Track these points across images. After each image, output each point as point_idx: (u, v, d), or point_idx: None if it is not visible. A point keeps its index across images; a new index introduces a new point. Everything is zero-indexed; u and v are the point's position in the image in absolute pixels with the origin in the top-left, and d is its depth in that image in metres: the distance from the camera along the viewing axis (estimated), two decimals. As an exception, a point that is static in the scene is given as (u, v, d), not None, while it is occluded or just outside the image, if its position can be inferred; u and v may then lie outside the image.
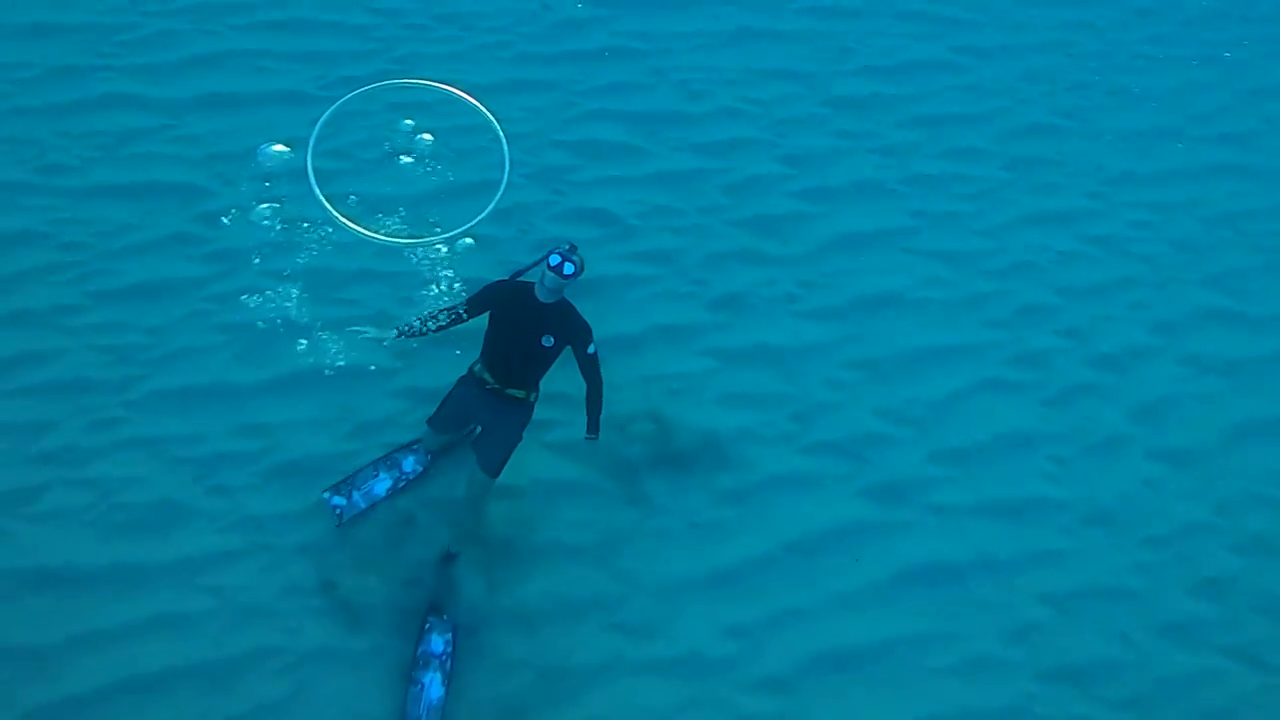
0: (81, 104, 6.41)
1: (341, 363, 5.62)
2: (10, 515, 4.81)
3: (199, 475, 5.09)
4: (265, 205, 6.19)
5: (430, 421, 5.12)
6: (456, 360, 5.72)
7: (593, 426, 4.93)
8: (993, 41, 8.39)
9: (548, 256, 4.81)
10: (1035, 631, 5.40)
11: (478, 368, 4.99)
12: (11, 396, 5.15)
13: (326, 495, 5.23)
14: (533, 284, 4.93)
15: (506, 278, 5.26)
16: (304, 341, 5.66)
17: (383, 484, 5.34)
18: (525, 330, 4.85)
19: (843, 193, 7.12)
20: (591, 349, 4.91)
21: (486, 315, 5.00)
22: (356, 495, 5.28)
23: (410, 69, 7.08)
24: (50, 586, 4.63)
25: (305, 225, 6.14)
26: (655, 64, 7.65)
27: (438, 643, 4.88)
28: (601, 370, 4.97)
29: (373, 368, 5.65)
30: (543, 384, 5.05)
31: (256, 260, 5.95)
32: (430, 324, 5.04)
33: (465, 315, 5.03)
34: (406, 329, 5.04)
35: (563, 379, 5.20)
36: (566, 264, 4.78)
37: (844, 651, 5.21)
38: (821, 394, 6.10)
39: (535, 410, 5.05)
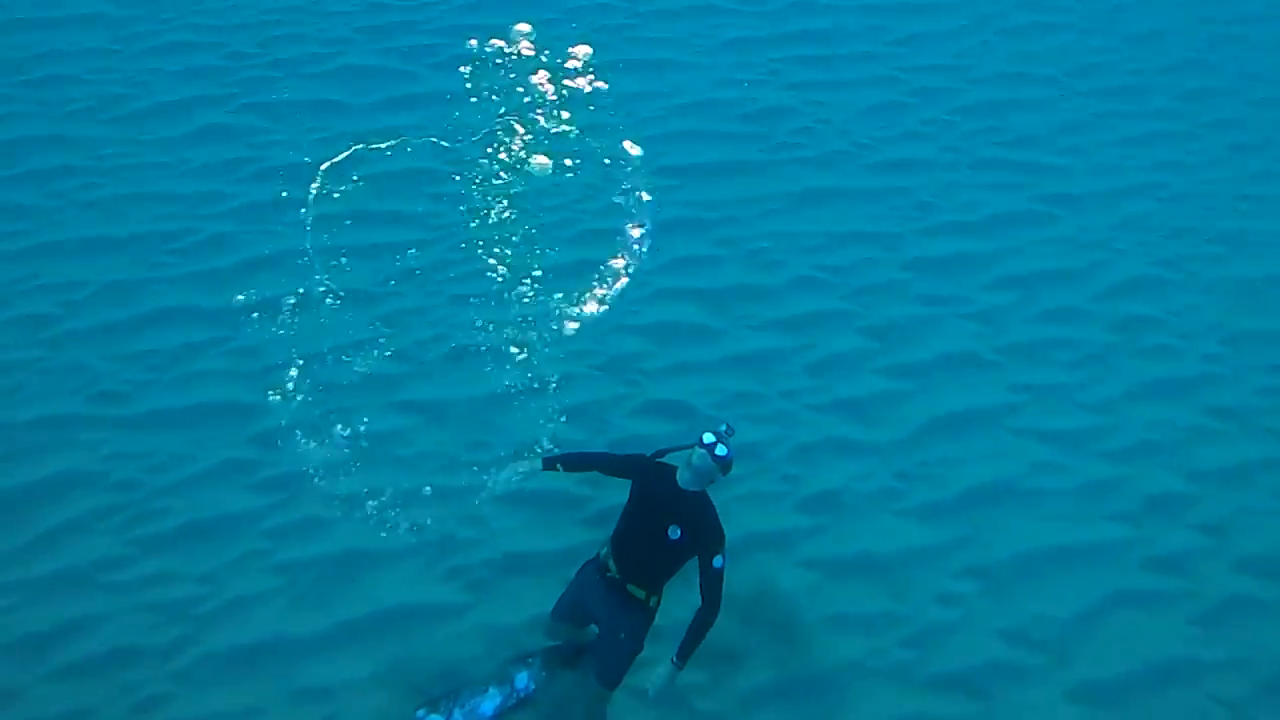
0: (133, 322, 6.20)
1: (401, 601, 5.15)
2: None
3: (252, 764, 4.58)
4: (321, 419, 5.87)
5: (554, 610, 4.72)
6: (529, 592, 5.22)
7: (684, 654, 4.30)
8: (1081, 188, 7.92)
9: (700, 437, 4.37)
10: None
11: (604, 552, 4.57)
12: (47, 682, 4.68)
13: (421, 713, 4.69)
14: (674, 468, 4.47)
15: (649, 454, 4.78)
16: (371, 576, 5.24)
17: (491, 702, 4.79)
18: (656, 514, 4.39)
19: (935, 367, 6.58)
20: (719, 562, 4.31)
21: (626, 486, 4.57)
22: (458, 713, 4.73)
23: (469, 255, 6.83)
24: None
25: (364, 442, 5.79)
26: (723, 234, 7.30)
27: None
28: (721, 594, 4.34)
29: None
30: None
31: (311, 485, 5.58)
32: (580, 463, 4.73)
33: (608, 467, 4.68)
34: (552, 459, 4.66)
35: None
36: (720, 445, 4.32)
37: None
38: (936, 612, 5.42)
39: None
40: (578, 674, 4.86)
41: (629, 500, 4.55)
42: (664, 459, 4.74)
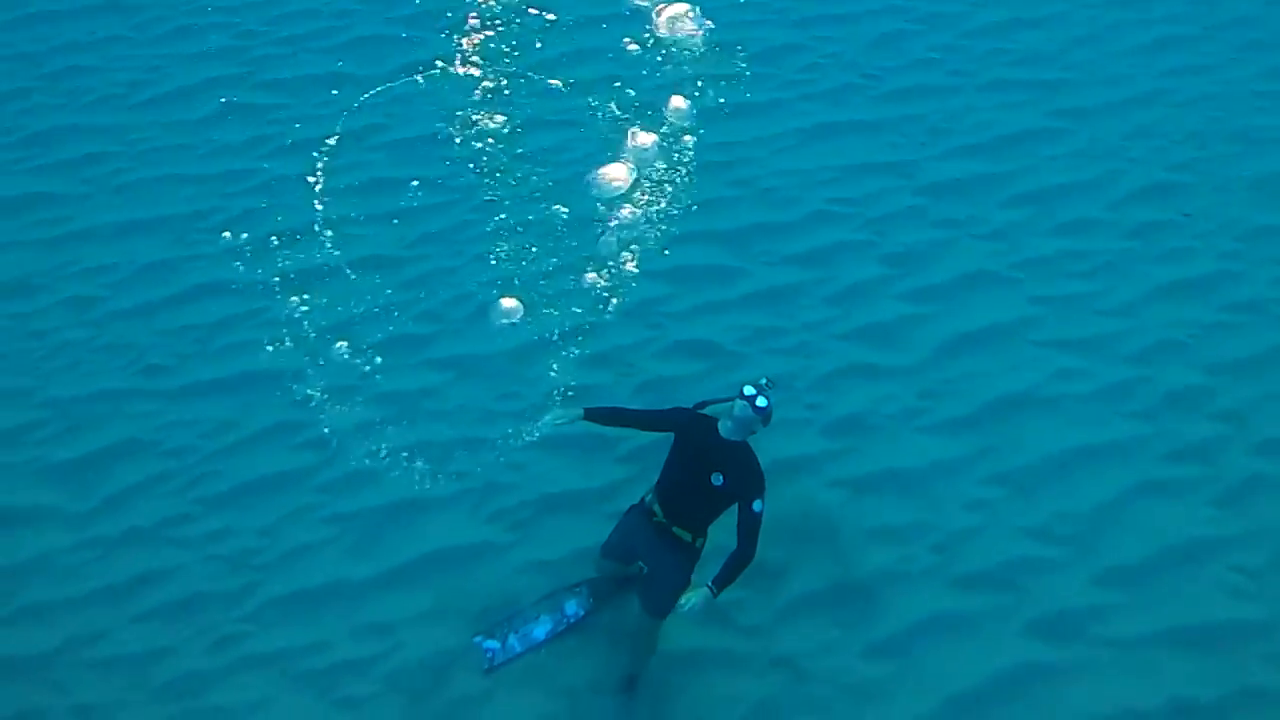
0: (173, 299, 6.45)
1: (449, 543, 5.41)
2: (140, 760, 4.66)
3: (323, 690, 4.86)
4: (359, 380, 6.12)
5: (602, 549, 4.94)
6: (570, 529, 5.46)
7: (720, 584, 4.45)
8: (1092, 100, 7.90)
9: (741, 389, 4.53)
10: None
11: (649, 498, 4.77)
12: (132, 624, 5.04)
13: (479, 639, 5.01)
14: (716, 419, 4.64)
15: (689, 406, 4.98)
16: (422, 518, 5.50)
17: (542, 627, 5.09)
18: (699, 463, 4.56)
19: (953, 288, 6.68)
20: (758, 506, 4.47)
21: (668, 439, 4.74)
22: (513, 639, 5.04)
23: (487, 214, 6.99)
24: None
25: (403, 396, 6.02)
26: (738, 175, 7.40)
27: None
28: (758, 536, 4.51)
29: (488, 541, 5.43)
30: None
31: (356, 442, 5.83)
32: (620, 419, 4.85)
33: (649, 425, 4.83)
34: (594, 412, 4.81)
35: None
36: (761, 397, 4.49)
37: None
38: (962, 518, 5.59)
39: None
40: (625, 603, 5.10)
41: (673, 450, 4.71)
42: (705, 410, 4.92)
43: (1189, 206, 7.13)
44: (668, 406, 5.00)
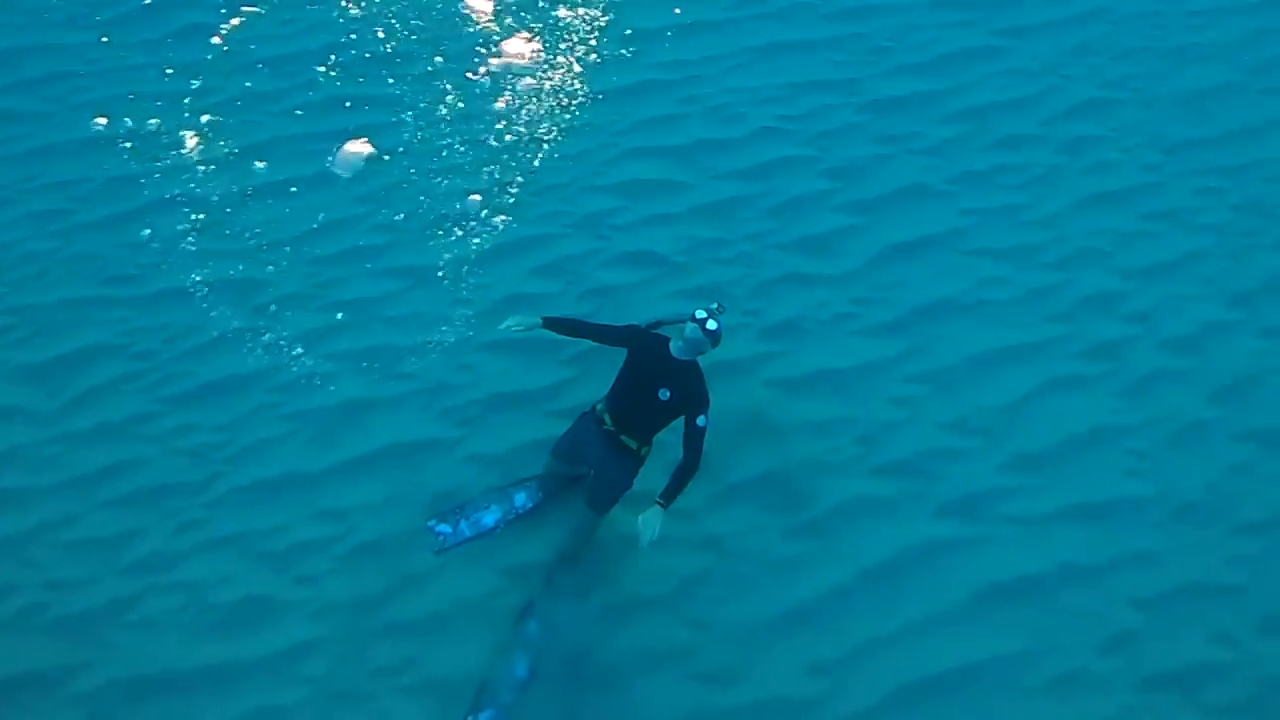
0: (135, 212, 6.66)
1: (402, 438, 5.76)
2: (109, 625, 5.04)
3: (282, 567, 5.25)
4: (317, 288, 6.40)
5: (552, 449, 5.28)
6: (515, 425, 5.81)
7: (668, 496, 4.77)
8: (1034, 18, 8.08)
9: (694, 312, 4.86)
10: (1131, 640, 5.18)
11: (599, 407, 5.10)
12: (102, 509, 5.40)
13: (431, 523, 5.40)
14: (668, 339, 4.99)
15: (642, 324, 5.32)
16: (370, 416, 5.83)
17: (492, 515, 5.47)
18: (649, 378, 4.89)
19: (889, 201, 6.95)
20: (702, 421, 4.81)
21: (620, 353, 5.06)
22: (464, 524, 5.43)
23: (441, 133, 7.19)
24: (151, 694, 4.83)
25: (355, 305, 6.31)
26: (687, 92, 7.59)
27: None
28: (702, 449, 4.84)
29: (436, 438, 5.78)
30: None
31: (312, 346, 6.13)
32: (576, 330, 5.12)
33: (604, 338, 5.11)
34: (552, 321, 5.07)
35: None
36: (711, 320, 4.81)
37: (932, 679, 5.07)
38: (886, 413, 5.96)
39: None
40: (571, 499, 5.46)
41: (625, 365, 5.03)
42: (658, 330, 5.23)
43: (1120, 122, 7.38)
44: (620, 324, 5.29)
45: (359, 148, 7.10)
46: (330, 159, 7.05)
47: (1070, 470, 5.68)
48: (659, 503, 4.74)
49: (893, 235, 6.78)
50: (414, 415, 5.91)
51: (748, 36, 8.00)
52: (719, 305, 5.02)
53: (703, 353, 4.93)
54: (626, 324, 5.29)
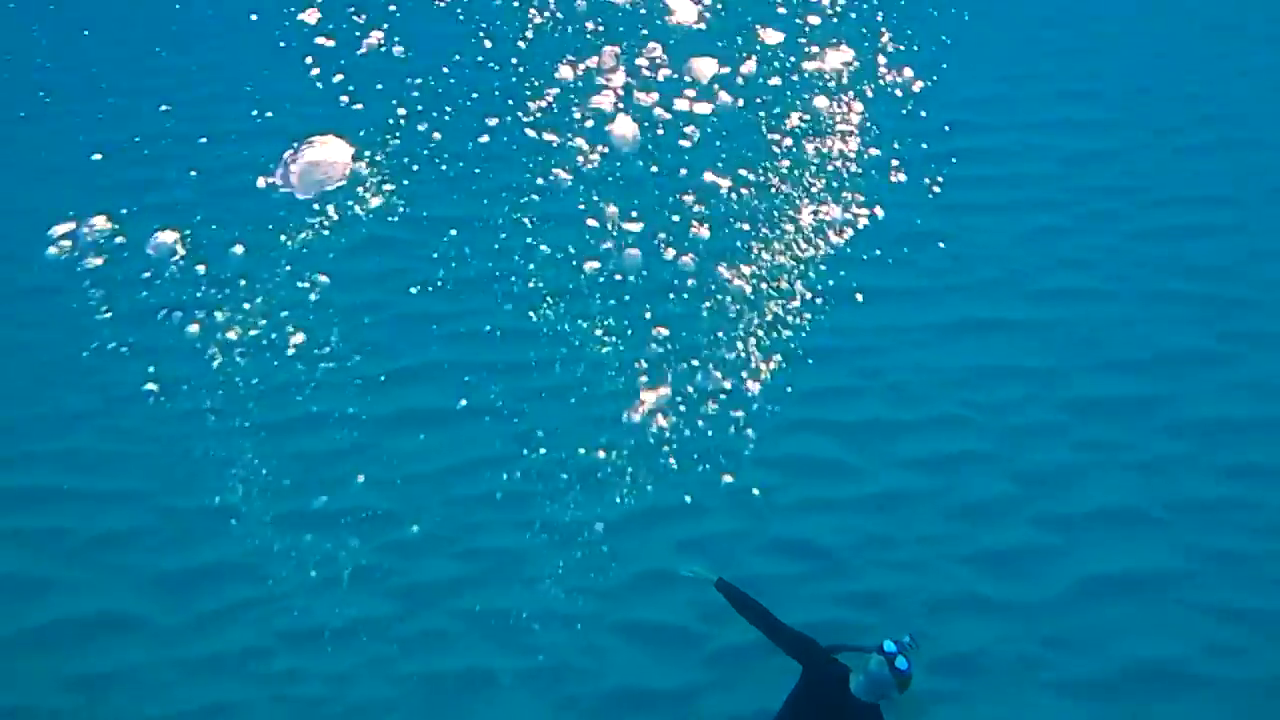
0: (288, 424, 6.63)
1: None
2: None
3: None
4: (454, 532, 6.10)
5: None
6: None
7: None
8: (1273, 325, 7.22)
9: (881, 644, 4.29)
10: None
11: None
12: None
13: None
14: (848, 670, 4.42)
15: (824, 645, 4.72)
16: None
17: None
18: (820, 717, 4.38)
19: (1093, 522, 6.09)
20: None
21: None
22: None
23: (603, 375, 6.95)
24: None
25: (490, 556, 5.95)
26: (864, 364, 7.11)
27: None
28: None
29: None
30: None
31: (440, 598, 5.75)
32: (748, 610, 4.79)
33: (778, 638, 4.69)
34: (729, 588, 4.89)
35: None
36: (901, 657, 4.22)
37: None
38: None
39: None
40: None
41: (799, 692, 4.51)
42: (838, 655, 4.66)
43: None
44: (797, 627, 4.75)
45: (516, 382, 6.95)
46: (487, 391, 6.91)
47: None
48: None
49: (1097, 565, 5.87)
50: (530, 700, 5.37)
51: (940, 309, 7.51)
52: (911, 640, 4.34)
53: (886, 697, 4.25)
54: (806, 633, 4.68)
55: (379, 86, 9.16)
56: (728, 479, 6.33)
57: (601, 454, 6.45)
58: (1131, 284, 7.67)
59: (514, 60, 9.47)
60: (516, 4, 10.01)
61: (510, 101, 9.07)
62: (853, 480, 6.37)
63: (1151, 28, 10.61)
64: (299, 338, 7.08)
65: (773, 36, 9.58)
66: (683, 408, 6.72)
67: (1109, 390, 6.84)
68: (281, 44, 9.67)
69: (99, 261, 7.59)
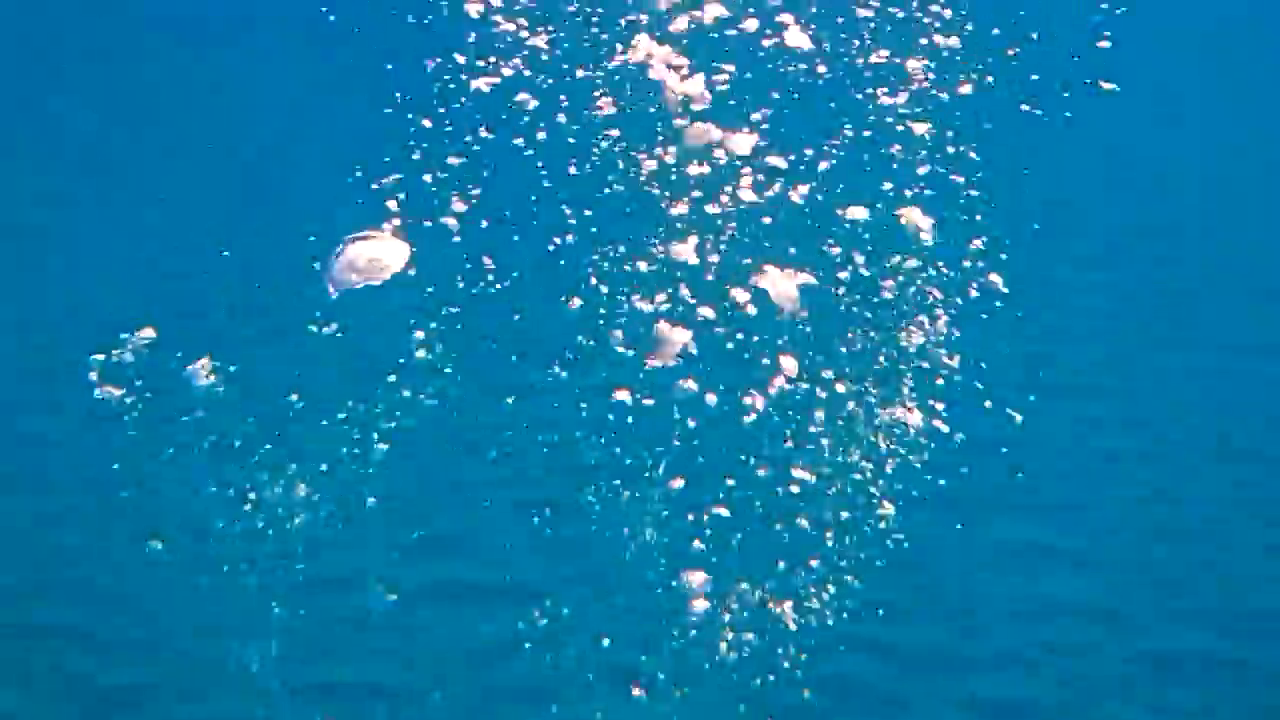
0: (324, 584, 6.49)
1: None
2: None
3: None
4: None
5: None
6: None
7: None
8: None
9: None
10: None
11: None
12: None
13: None
14: None
15: None
16: None
17: None
18: None
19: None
20: None
21: None
22: None
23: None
24: None
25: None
26: (919, 580, 6.69)
27: None
28: None
29: None
30: None
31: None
32: None
33: None
34: None
35: None
36: None
37: None
38: None
39: None
40: None
41: None
42: None
43: None
44: None
45: (558, 562, 6.70)
46: (532, 561, 6.67)
47: None
48: None
49: None
50: None
51: (1000, 530, 7.10)
52: None
53: None
54: None
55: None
56: (765, 702, 5.89)
57: (637, 654, 6.09)
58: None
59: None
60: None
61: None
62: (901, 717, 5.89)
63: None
64: (338, 493, 6.99)
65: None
66: (733, 606, 6.35)
67: (1188, 645, 6.29)
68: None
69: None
